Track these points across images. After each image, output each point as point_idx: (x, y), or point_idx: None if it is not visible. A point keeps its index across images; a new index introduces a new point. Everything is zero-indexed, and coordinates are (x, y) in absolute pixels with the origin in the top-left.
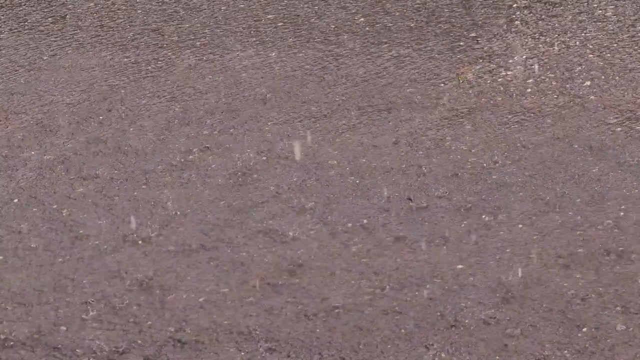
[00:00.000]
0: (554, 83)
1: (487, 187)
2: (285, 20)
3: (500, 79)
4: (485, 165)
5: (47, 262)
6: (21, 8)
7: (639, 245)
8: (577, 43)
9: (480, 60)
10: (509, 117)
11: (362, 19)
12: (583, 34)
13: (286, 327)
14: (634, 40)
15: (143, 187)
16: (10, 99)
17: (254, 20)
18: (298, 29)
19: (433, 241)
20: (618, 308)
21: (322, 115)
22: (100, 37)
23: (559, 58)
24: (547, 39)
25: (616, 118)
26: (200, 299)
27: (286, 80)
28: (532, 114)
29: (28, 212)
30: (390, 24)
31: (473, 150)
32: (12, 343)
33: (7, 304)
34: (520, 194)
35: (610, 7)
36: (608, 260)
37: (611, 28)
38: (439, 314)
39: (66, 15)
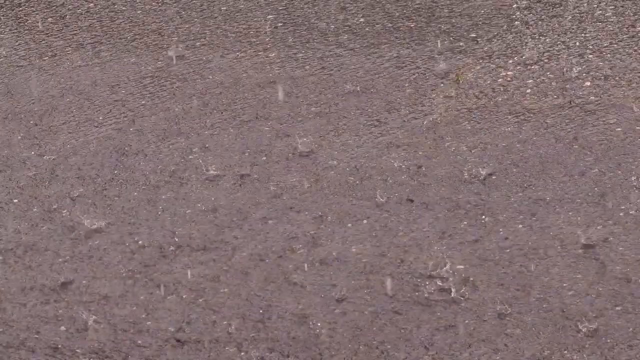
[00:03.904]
0: (553, 83)
1: (487, 187)
2: (285, 21)
3: (500, 79)
4: (485, 165)
5: (47, 262)
6: (21, 8)
7: (638, 246)
8: (577, 43)
9: (480, 60)
10: (509, 117)
11: (362, 19)
12: (583, 34)
13: (286, 327)
14: (634, 40)
15: (143, 187)
16: (10, 99)
17: (254, 21)
18: (298, 29)
19: (433, 241)
20: (618, 308)
21: (322, 115)
22: (100, 37)
23: (559, 58)
24: (547, 39)
25: (616, 118)
26: (200, 299)
27: (286, 80)
28: (532, 114)
29: (28, 212)
30: (390, 24)
31: (473, 151)
32: (12, 343)
33: (7, 304)
34: (520, 194)
35: (610, 7)
36: (611, 259)
37: (611, 28)
38: (438, 314)
39: (66, 15)
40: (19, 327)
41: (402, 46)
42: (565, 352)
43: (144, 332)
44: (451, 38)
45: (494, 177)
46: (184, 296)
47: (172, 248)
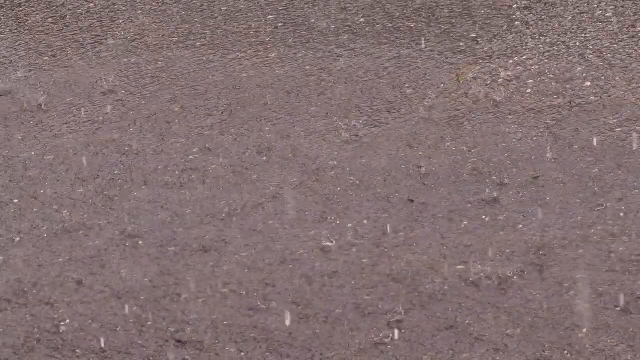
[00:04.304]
0: (553, 83)
1: (486, 187)
2: (285, 21)
3: (500, 79)
4: (485, 165)
5: (47, 262)
6: (21, 8)
7: (638, 246)
8: (577, 43)
9: (480, 60)
10: (509, 117)
11: (362, 19)
12: (583, 34)
13: (286, 327)
14: (634, 40)
15: (143, 187)
16: (10, 99)
17: (254, 21)
18: (298, 29)
19: (433, 241)
20: (618, 308)
21: (322, 115)
22: (100, 37)
23: (559, 58)
24: (547, 39)
25: (616, 118)
26: (200, 299)
27: (286, 80)
28: (532, 114)
29: (28, 212)
30: (390, 24)
31: (473, 150)
32: (12, 343)
33: (7, 304)
34: (520, 194)
35: (610, 7)
36: (611, 259)
37: (611, 28)
38: (438, 314)
39: (66, 15)
40: (19, 327)
41: (402, 46)
42: (565, 352)
43: (144, 332)
44: (451, 38)
45: (494, 177)
46: (184, 296)
47: (172, 248)
